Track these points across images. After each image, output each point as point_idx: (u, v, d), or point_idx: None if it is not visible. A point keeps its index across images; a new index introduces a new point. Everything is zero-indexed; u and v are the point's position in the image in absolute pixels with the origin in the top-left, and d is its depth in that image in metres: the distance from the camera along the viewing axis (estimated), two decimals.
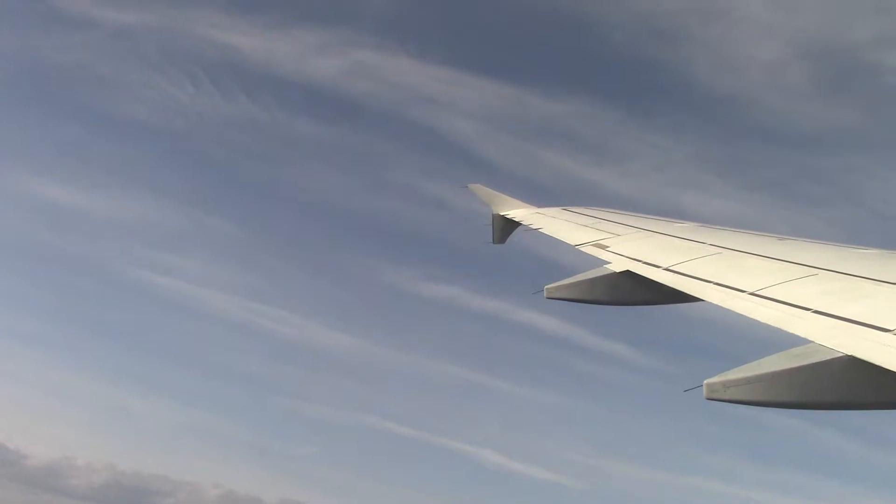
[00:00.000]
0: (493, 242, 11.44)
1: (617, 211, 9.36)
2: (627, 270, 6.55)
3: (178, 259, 50.92)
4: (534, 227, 9.72)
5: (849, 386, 3.87)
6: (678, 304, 6.06)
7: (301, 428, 44.18)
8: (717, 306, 5.16)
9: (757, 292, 5.05)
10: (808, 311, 4.50)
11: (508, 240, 11.33)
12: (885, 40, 39.12)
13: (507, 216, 11.05)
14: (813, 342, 4.10)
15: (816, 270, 5.23)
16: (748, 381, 4.05)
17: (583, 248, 7.70)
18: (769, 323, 4.56)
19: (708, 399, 4.10)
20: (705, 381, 4.15)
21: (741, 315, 4.84)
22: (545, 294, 6.93)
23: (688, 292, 5.61)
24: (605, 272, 6.73)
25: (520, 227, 10.67)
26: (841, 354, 3.88)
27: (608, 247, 7.40)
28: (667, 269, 6.17)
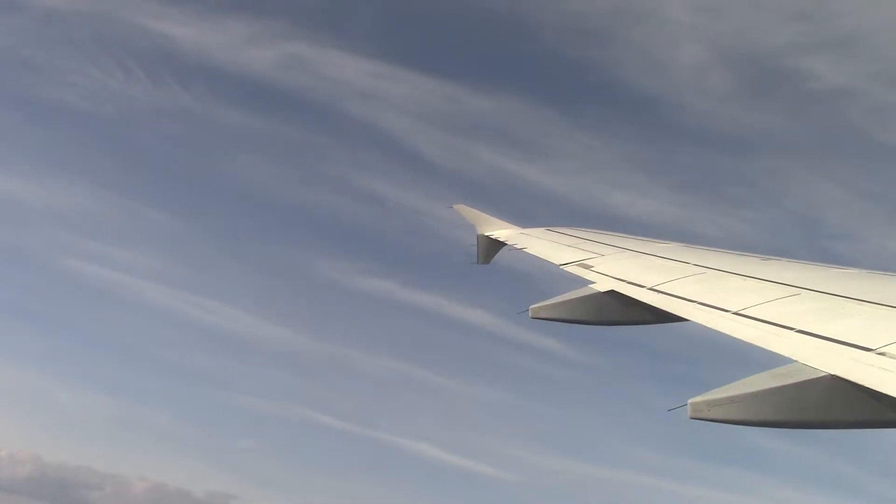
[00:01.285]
0: (478, 263, 11.43)
1: (601, 231, 9.40)
2: (612, 290, 6.56)
3: (109, 248, 49.81)
4: (518, 246, 9.75)
5: (832, 405, 3.88)
6: (662, 324, 6.08)
7: (236, 421, 43.49)
8: (701, 325, 5.17)
9: (740, 312, 5.07)
10: (791, 331, 4.52)
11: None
12: (801, 46, 40.10)
13: (492, 237, 11.06)
14: (796, 361, 4.11)
15: (799, 290, 5.26)
16: (732, 401, 4.05)
17: (567, 268, 7.71)
18: (753, 342, 4.58)
19: (692, 418, 4.09)
20: (689, 401, 4.14)
21: (725, 334, 4.85)
22: (530, 314, 6.93)
23: (672, 312, 5.63)
24: (590, 292, 6.73)
25: (504, 248, 10.68)
26: (824, 373, 3.89)
27: (592, 266, 7.42)
28: (651, 289, 6.19)
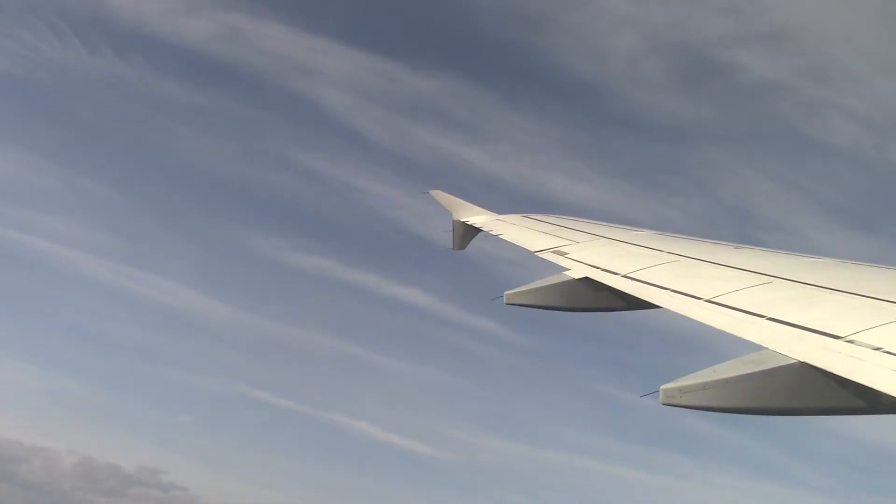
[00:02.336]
0: (453, 248, 11.44)
1: (576, 218, 9.42)
2: (586, 277, 6.58)
3: (42, 217, 48.51)
4: (494, 233, 9.75)
5: (801, 392, 3.92)
6: (636, 311, 6.11)
7: (172, 396, 43.05)
8: (673, 313, 5.20)
9: (713, 299, 5.10)
10: (763, 318, 4.56)
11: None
12: (732, 39, 41.33)
13: (468, 223, 11.05)
14: (767, 348, 4.15)
15: (771, 278, 5.31)
16: (703, 387, 4.08)
17: (542, 255, 7.73)
18: (724, 329, 4.61)
19: (664, 404, 4.12)
20: (661, 387, 4.17)
21: (697, 321, 4.89)
22: (504, 300, 6.94)
23: (645, 299, 5.65)
24: (564, 279, 6.75)
25: (480, 234, 10.69)
26: (794, 361, 3.93)
27: (567, 253, 7.43)
28: (625, 277, 6.21)
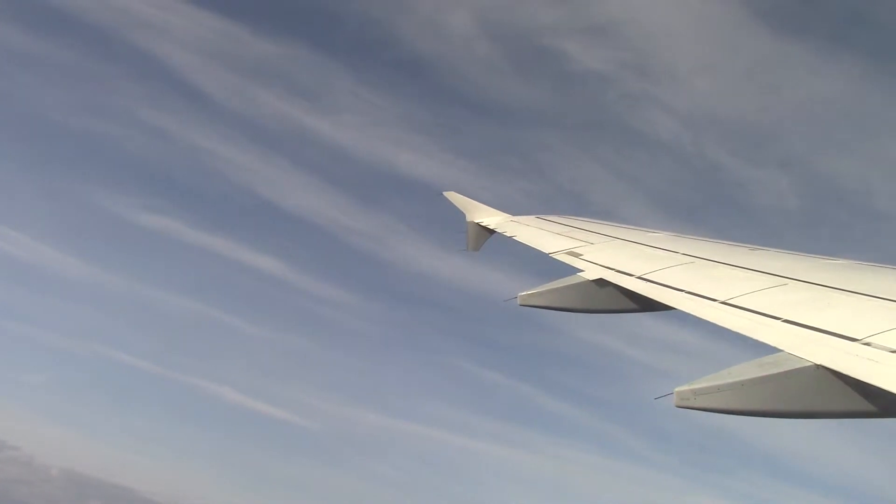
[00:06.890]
0: (468, 250, 11.45)
1: (591, 220, 9.42)
2: (601, 278, 6.57)
3: None
4: (508, 234, 9.76)
5: (817, 395, 3.89)
6: (650, 313, 6.10)
7: (25, 354, 41.90)
8: (688, 314, 5.18)
9: (728, 301, 5.07)
10: (778, 321, 4.53)
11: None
12: (559, 29, 41.75)
13: (482, 224, 11.06)
14: (782, 351, 4.12)
15: (787, 280, 5.28)
16: (718, 390, 4.05)
17: (557, 256, 7.72)
18: (739, 331, 4.58)
19: (678, 407, 4.10)
20: (675, 390, 4.15)
21: (712, 323, 4.86)
22: (519, 301, 6.93)
23: (660, 301, 5.64)
24: (579, 280, 6.74)
25: (494, 235, 10.70)
26: (809, 363, 3.90)
27: (582, 255, 7.42)
28: (639, 278, 6.20)
